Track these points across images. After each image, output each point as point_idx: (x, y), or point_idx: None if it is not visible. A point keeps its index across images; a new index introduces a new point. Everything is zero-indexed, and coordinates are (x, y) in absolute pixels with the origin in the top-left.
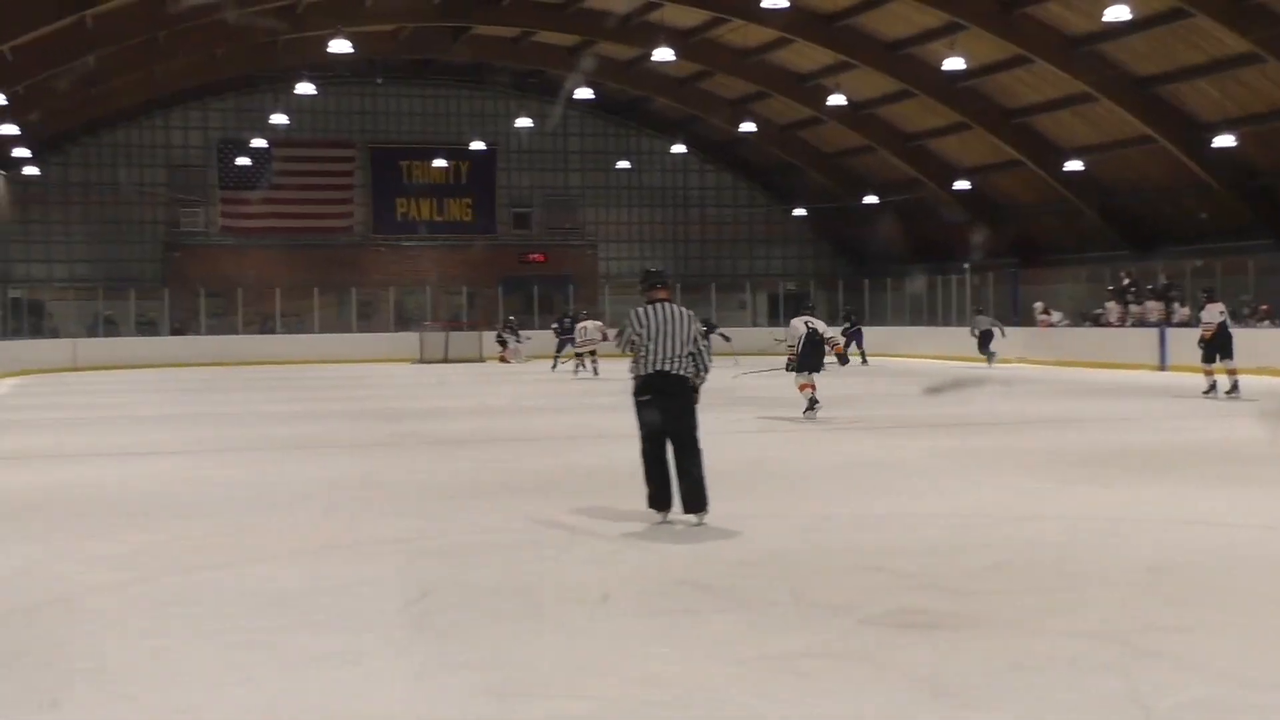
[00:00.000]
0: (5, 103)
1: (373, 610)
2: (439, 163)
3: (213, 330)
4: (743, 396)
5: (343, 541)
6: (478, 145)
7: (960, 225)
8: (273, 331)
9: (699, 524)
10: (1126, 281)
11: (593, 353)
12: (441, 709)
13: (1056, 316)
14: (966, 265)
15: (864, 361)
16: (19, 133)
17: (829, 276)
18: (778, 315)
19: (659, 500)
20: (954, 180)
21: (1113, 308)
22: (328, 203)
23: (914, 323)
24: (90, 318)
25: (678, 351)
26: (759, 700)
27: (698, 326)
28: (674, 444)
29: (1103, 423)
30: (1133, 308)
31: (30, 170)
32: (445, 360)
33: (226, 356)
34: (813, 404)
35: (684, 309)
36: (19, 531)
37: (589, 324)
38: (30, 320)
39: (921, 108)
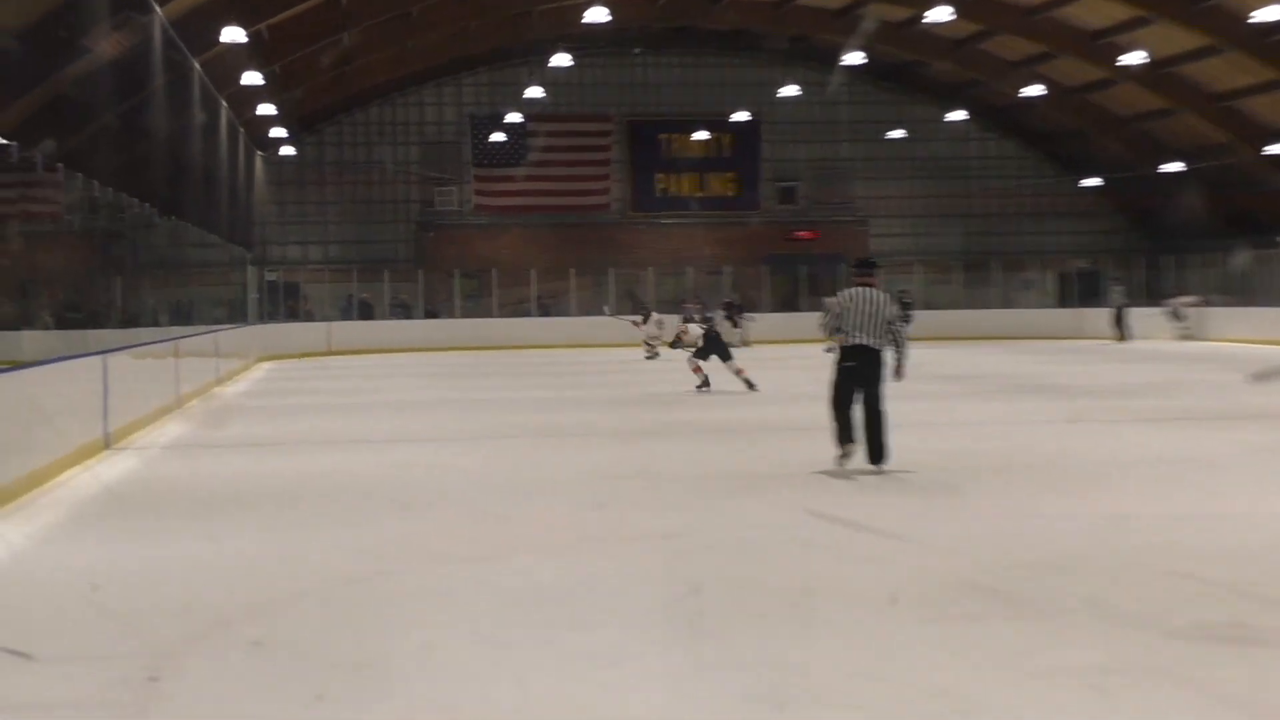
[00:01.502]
0: (262, 82)
1: (638, 608)
2: (700, 135)
3: (467, 313)
4: (1048, 384)
5: (605, 534)
6: (741, 116)
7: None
8: (528, 314)
9: (879, 472)
10: None
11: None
12: (708, 713)
13: None
14: None
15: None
16: (275, 113)
17: (1125, 253)
18: (1071, 296)
19: (844, 436)
20: (1269, 143)
21: None
22: (585, 179)
23: (1228, 303)
24: (344, 300)
25: (874, 330)
26: (1054, 718)
27: (894, 309)
28: (865, 408)
29: None
30: None
31: (286, 151)
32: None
33: (481, 340)
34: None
35: (884, 293)
36: (277, 520)
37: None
38: (286, 303)
39: (1229, 64)
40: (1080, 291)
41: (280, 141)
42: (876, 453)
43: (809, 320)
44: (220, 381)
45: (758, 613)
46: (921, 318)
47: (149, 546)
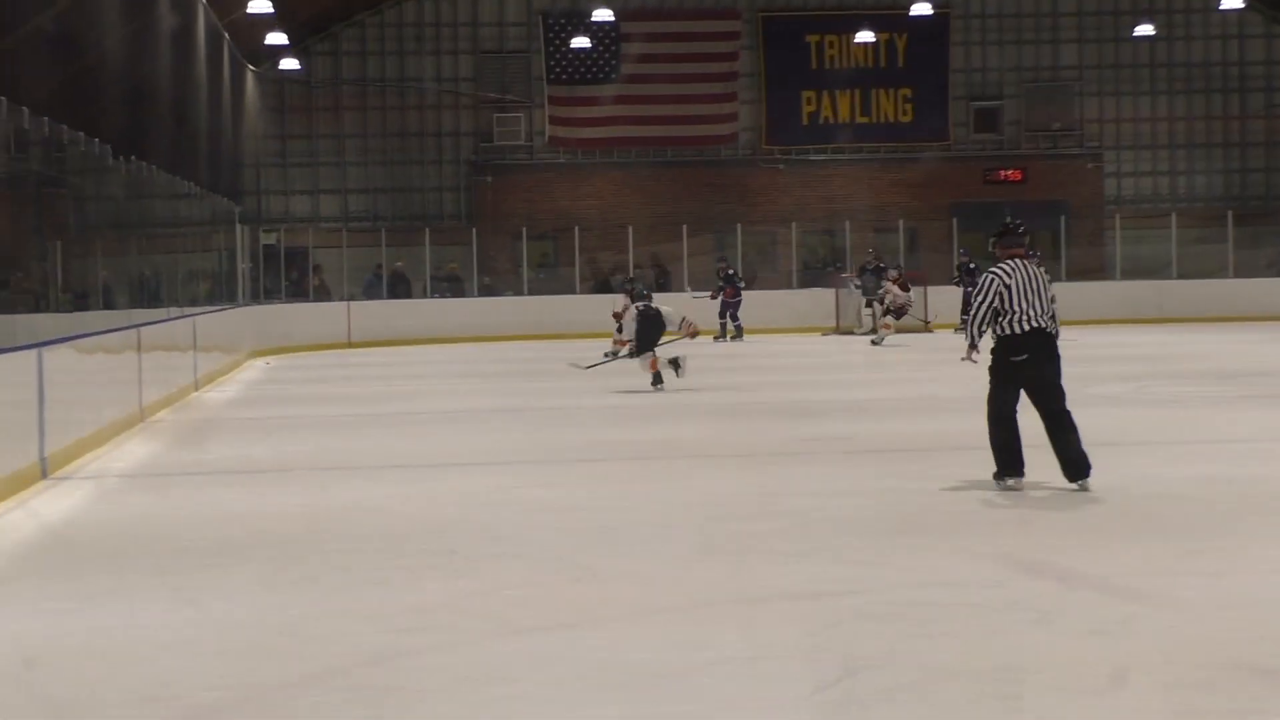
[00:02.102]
0: None
1: (773, 696)
2: (864, 37)
3: (538, 288)
4: None
5: (727, 594)
6: (921, 9)
7: None
8: (621, 288)
9: (1081, 489)
10: None
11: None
12: None
13: None
14: None
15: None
16: (272, 11)
17: None
18: None
19: (1011, 464)
20: None
21: None
22: (701, 100)
23: None
24: (369, 272)
25: (1046, 309)
26: None
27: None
28: (1045, 410)
29: None
30: None
31: (288, 65)
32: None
33: (558, 325)
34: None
35: (1043, 269)
36: (278, 576)
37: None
38: (290, 276)
39: None
40: None
41: (280, 52)
42: (1080, 466)
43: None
44: (199, 384)
45: (939, 703)
46: (1175, 290)
47: (103, 613)
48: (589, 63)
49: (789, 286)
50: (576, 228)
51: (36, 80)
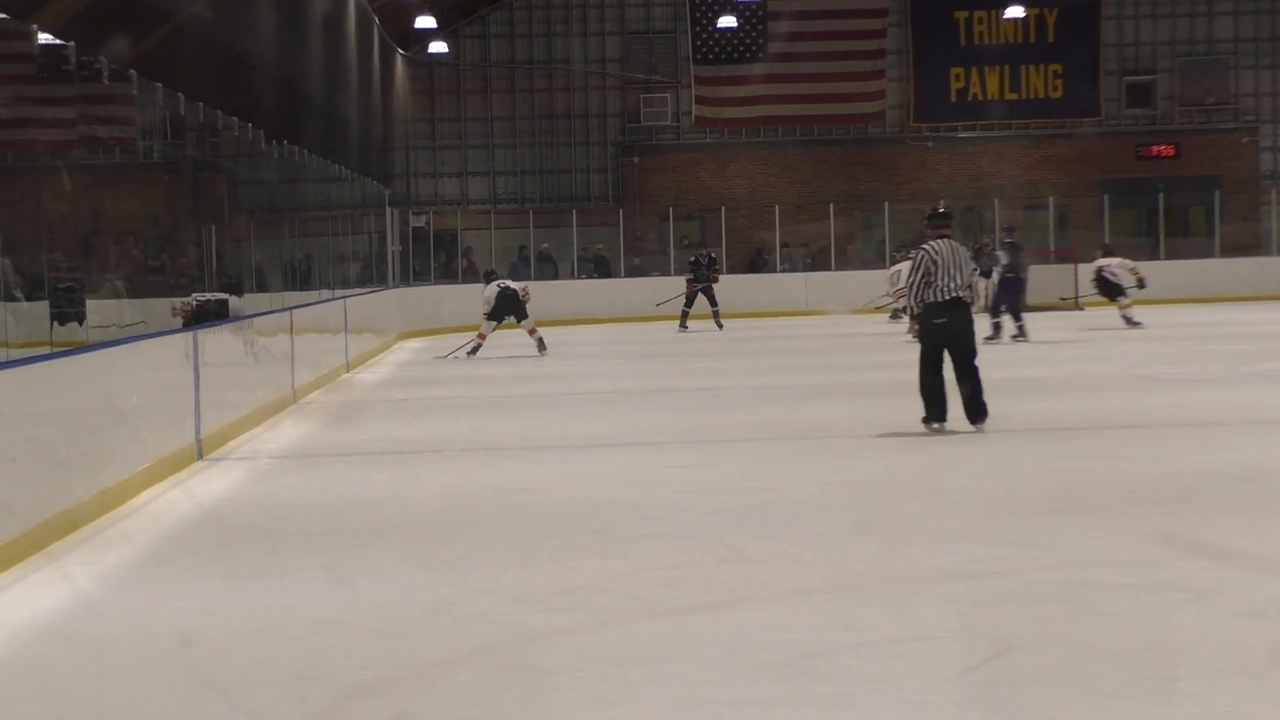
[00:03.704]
0: None
1: (923, 676)
2: (1014, 13)
3: (684, 268)
4: None
5: (878, 574)
6: None
7: None
8: (769, 268)
9: (979, 431)
10: None
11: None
12: None
13: None
14: None
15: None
16: None
17: None
18: None
19: (937, 413)
20: None
21: None
22: (850, 79)
23: None
24: (516, 253)
25: (964, 282)
26: None
27: (973, 263)
28: (958, 363)
29: None
30: None
31: (437, 49)
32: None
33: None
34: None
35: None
36: (427, 556)
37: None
38: (439, 258)
39: None
40: None
41: (429, 36)
42: (978, 410)
43: (1177, 271)
44: (350, 366)
45: (1090, 683)
46: None
47: (256, 592)
48: (736, 42)
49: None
50: (723, 208)
51: (192, 67)
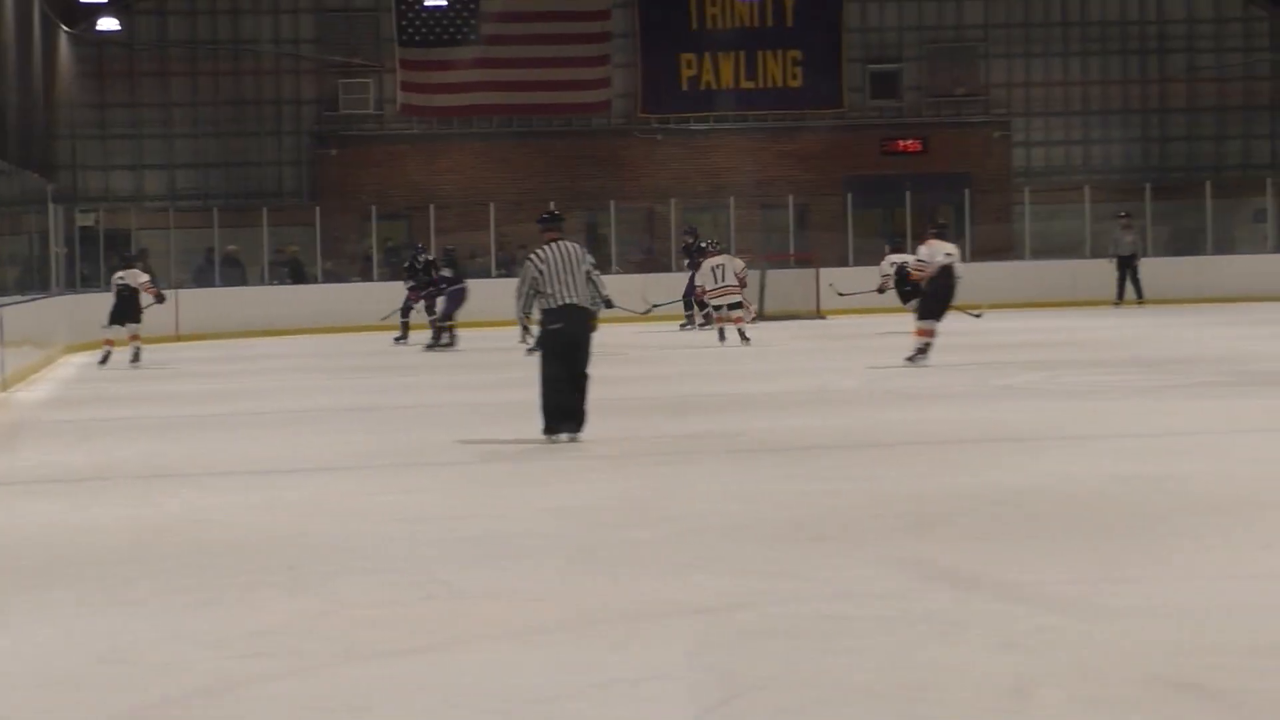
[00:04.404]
0: None
1: (655, 719)
2: None
3: (390, 273)
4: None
5: (605, 611)
6: None
7: None
8: (484, 272)
9: (573, 440)
10: None
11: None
12: None
13: None
14: None
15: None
16: None
17: None
18: None
19: (556, 424)
20: None
21: None
22: (569, 64)
23: None
24: (200, 256)
25: (579, 284)
26: None
27: (589, 259)
28: (569, 370)
29: None
30: None
31: (107, 24)
32: (761, 316)
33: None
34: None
35: (575, 245)
36: (99, 598)
37: (723, 260)
38: (110, 260)
39: None
40: None
41: (98, 10)
42: (579, 420)
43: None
44: (7, 384)
45: None
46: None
47: None
48: (445, 23)
49: (668, 269)
50: (432, 206)
51: None
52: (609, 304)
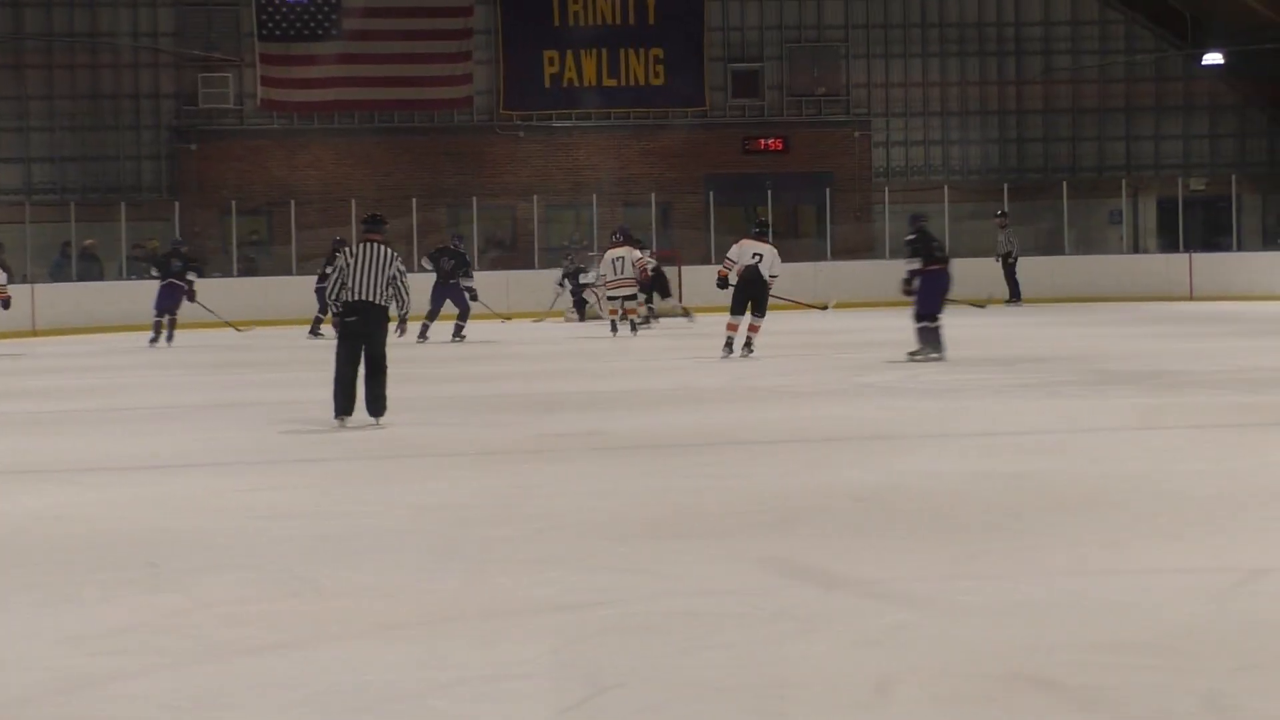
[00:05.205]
0: None
1: (514, 717)
2: None
3: (249, 269)
4: (1146, 372)
5: (467, 608)
6: None
7: None
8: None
9: (379, 425)
10: None
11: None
12: None
13: None
14: None
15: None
16: None
17: (1267, 168)
18: (1174, 230)
19: (344, 407)
20: None
21: None
22: (431, 60)
23: None
24: (57, 251)
25: (379, 285)
26: None
27: (398, 265)
28: (369, 359)
29: None
30: None
31: None
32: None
33: (272, 310)
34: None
35: (389, 249)
36: None
37: (623, 253)
38: None
39: None
40: (1199, 227)
41: None
42: (376, 406)
43: (787, 273)
44: None
45: None
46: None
47: None
48: (306, 17)
49: (530, 266)
50: (293, 201)
51: None
52: (413, 308)
